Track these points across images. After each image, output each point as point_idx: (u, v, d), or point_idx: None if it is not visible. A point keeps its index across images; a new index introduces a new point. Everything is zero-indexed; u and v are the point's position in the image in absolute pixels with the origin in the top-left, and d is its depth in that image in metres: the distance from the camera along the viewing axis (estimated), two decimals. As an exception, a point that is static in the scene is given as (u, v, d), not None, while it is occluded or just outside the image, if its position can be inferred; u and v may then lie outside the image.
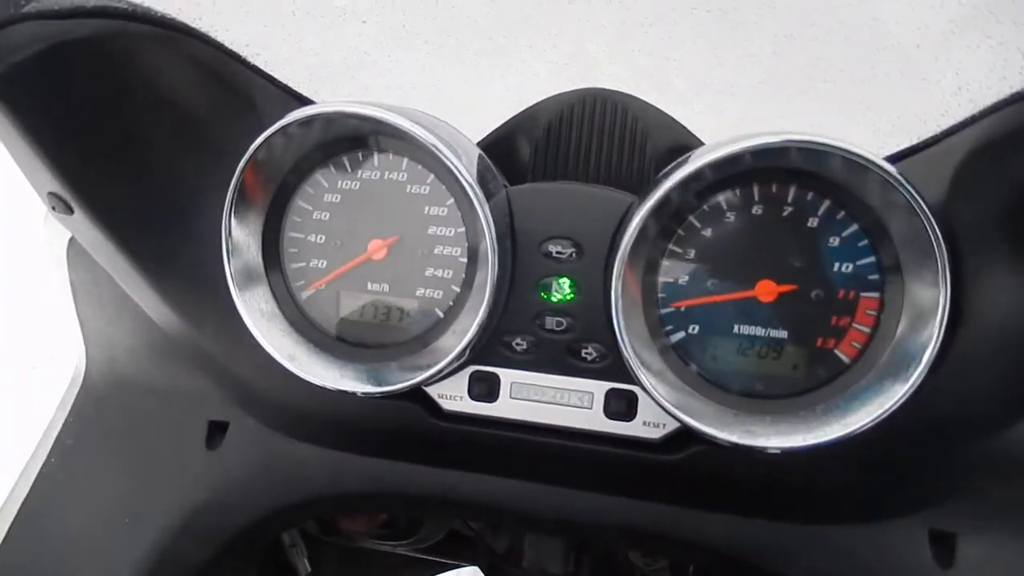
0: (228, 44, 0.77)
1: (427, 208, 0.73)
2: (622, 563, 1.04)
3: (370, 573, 1.22)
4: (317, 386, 0.73)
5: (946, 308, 0.59)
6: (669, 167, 0.67)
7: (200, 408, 0.83)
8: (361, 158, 0.74)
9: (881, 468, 0.68)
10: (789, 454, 0.66)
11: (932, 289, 0.61)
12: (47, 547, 0.79)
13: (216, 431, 0.83)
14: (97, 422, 0.86)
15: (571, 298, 0.70)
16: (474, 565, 1.03)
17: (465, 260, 0.72)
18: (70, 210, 0.72)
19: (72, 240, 0.87)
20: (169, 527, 0.79)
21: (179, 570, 0.79)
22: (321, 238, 0.75)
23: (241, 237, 0.73)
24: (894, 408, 0.61)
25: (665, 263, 0.69)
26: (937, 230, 0.58)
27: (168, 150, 0.74)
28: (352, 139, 0.73)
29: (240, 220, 0.73)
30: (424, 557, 1.12)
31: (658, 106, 0.84)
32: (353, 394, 0.72)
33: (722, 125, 0.69)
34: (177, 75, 0.74)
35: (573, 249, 0.70)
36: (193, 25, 0.74)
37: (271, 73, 0.81)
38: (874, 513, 0.70)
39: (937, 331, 0.60)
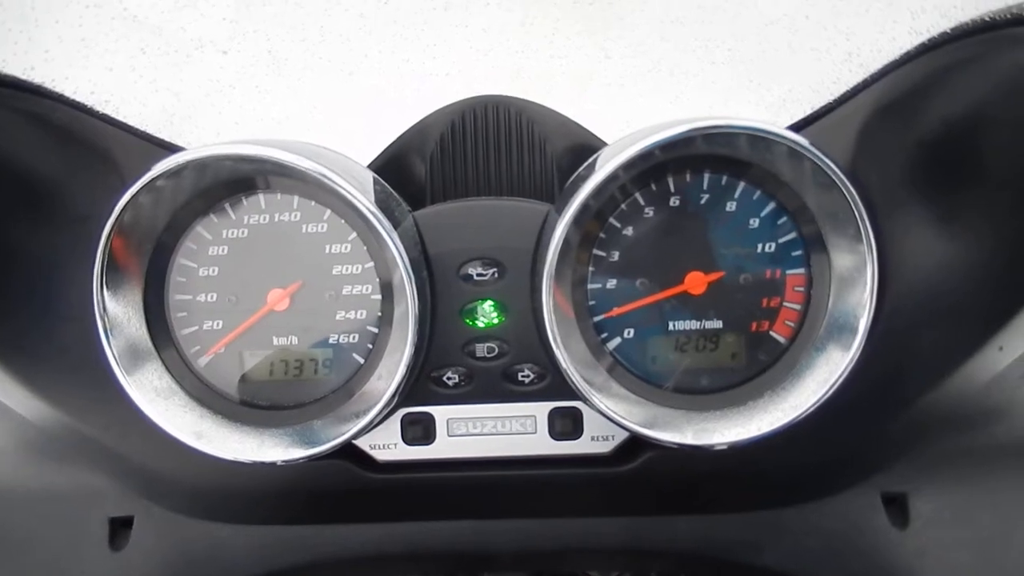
0: (70, 94, 0.68)
1: (328, 247, 0.67)
2: (579, 578, 1.01)
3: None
4: (231, 463, 0.65)
5: (875, 272, 0.59)
6: (580, 170, 0.64)
7: (96, 506, 0.73)
8: (245, 202, 0.67)
9: (829, 443, 0.68)
10: (741, 447, 0.64)
11: (856, 255, 0.61)
12: None
13: (120, 528, 0.73)
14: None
15: (499, 321, 0.66)
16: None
17: (379, 297, 0.67)
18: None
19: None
20: None
21: None
22: (212, 296, 0.68)
23: (119, 310, 0.64)
24: (839, 381, 0.60)
25: (592, 270, 0.66)
26: (854, 193, 0.58)
27: (17, 223, 0.65)
28: (232, 183, 0.66)
29: (114, 291, 0.64)
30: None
31: (551, 106, 0.82)
32: (274, 464, 0.65)
33: (617, 120, 0.67)
34: (15, 137, 0.65)
35: (494, 269, 0.66)
36: (24, 77, 0.65)
37: (126, 121, 0.72)
38: (828, 488, 0.70)
39: (869, 297, 0.60)
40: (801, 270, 0.65)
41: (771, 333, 0.66)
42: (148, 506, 0.73)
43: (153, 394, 0.64)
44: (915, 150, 0.63)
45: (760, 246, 0.65)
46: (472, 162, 0.76)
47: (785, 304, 0.66)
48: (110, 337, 0.63)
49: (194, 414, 0.65)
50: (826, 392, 0.61)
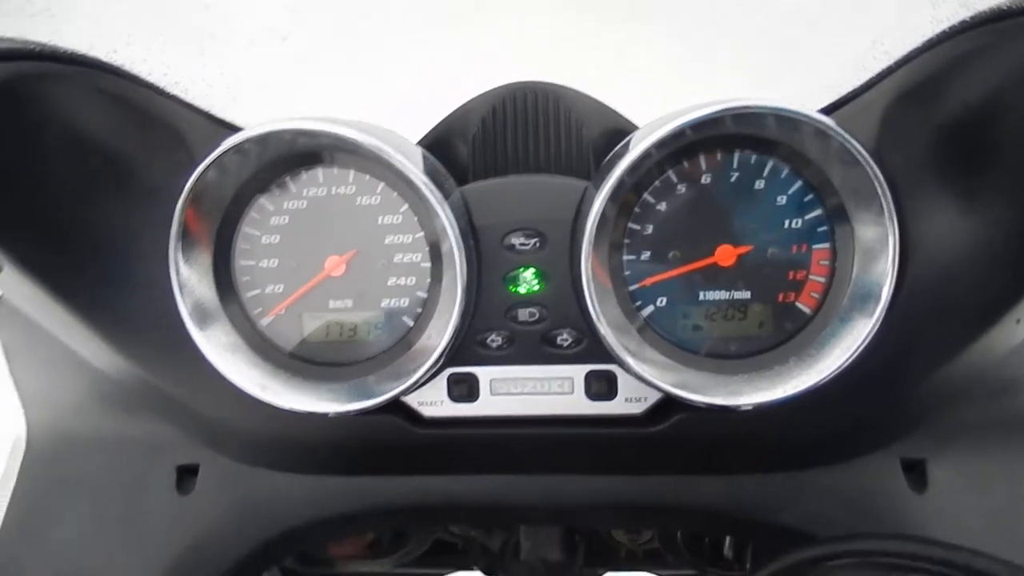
0: (146, 76, 0.74)
1: (381, 218, 0.72)
2: (608, 543, 1.06)
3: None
4: (292, 413, 0.71)
5: (896, 243, 0.63)
6: (617, 149, 0.69)
7: (165, 455, 0.79)
8: (305, 176, 0.73)
9: (852, 409, 0.71)
10: (768, 409, 0.68)
11: (879, 229, 0.64)
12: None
13: (187, 475, 0.79)
14: (51, 486, 0.81)
15: (540, 288, 0.71)
16: (468, 570, 1.02)
17: (428, 264, 0.72)
18: (-1, 267, 0.68)
19: (1, 300, 0.81)
20: None
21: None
22: (274, 262, 0.73)
23: (190, 273, 0.70)
24: (861, 347, 0.64)
25: (627, 242, 0.70)
26: (876, 170, 0.62)
27: (96, 193, 0.71)
28: (292, 158, 0.72)
29: (187, 257, 0.70)
30: (409, 572, 1.10)
31: (587, 92, 0.86)
32: (328, 415, 0.70)
33: (651, 106, 0.71)
34: (96, 114, 0.71)
35: (536, 239, 0.70)
36: (107, 60, 0.71)
37: (193, 102, 0.78)
38: (849, 452, 0.74)
39: (891, 266, 0.63)
40: (826, 245, 0.69)
41: (797, 304, 0.70)
42: (212, 455, 0.79)
43: (221, 349, 0.70)
44: (936, 133, 0.66)
45: (787, 222, 0.69)
46: (512, 144, 0.80)
47: (811, 277, 0.69)
48: (183, 297, 0.69)
49: (257, 369, 0.71)
50: (848, 358, 0.64)
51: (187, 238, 0.69)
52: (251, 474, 0.78)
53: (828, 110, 0.74)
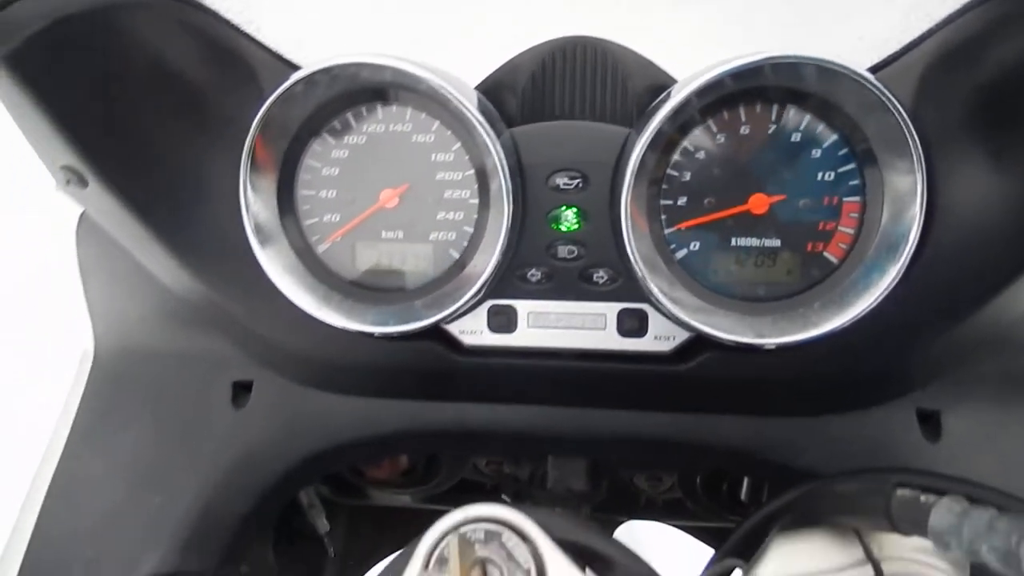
0: (223, 12, 0.79)
1: (434, 155, 0.77)
2: (629, 489, 1.10)
3: (380, 529, 1.26)
4: (340, 335, 0.77)
5: (924, 191, 0.66)
6: (659, 99, 0.72)
7: (222, 370, 0.85)
8: (365, 113, 0.77)
9: (873, 357, 0.74)
10: (791, 352, 0.72)
11: (909, 180, 0.67)
12: (85, 517, 0.81)
13: (241, 391, 0.85)
14: (115, 394, 0.88)
15: (579, 227, 0.75)
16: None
17: (475, 201, 0.76)
18: (84, 183, 0.73)
19: (82, 218, 0.87)
20: (205, 484, 0.81)
21: (220, 525, 0.81)
22: (332, 193, 0.78)
23: (256, 198, 0.76)
24: (884, 294, 0.67)
25: (665, 188, 0.74)
26: (908, 121, 0.65)
27: (176, 121, 0.76)
28: (355, 94, 0.76)
29: (254, 183, 0.75)
30: (435, 508, 1.16)
31: (633, 48, 0.89)
32: (375, 337, 0.76)
33: (694, 62, 0.75)
34: (177, 46, 0.76)
35: (578, 180, 0.74)
36: (188, -5, 0.76)
37: (263, 41, 0.83)
38: (868, 400, 0.77)
39: (918, 213, 0.66)
40: (857, 198, 0.72)
41: (825, 254, 0.73)
42: (266, 373, 0.85)
43: (280, 269, 0.75)
44: (972, 93, 0.69)
45: (820, 174, 0.72)
46: (559, 95, 0.84)
47: (840, 228, 0.73)
48: (249, 217, 0.74)
49: (312, 290, 0.77)
50: (871, 304, 0.68)
51: (255, 165, 0.75)
52: (300, 393, 0.84)
53: (870, 71, 0.76)
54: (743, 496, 0.98)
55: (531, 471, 0.98)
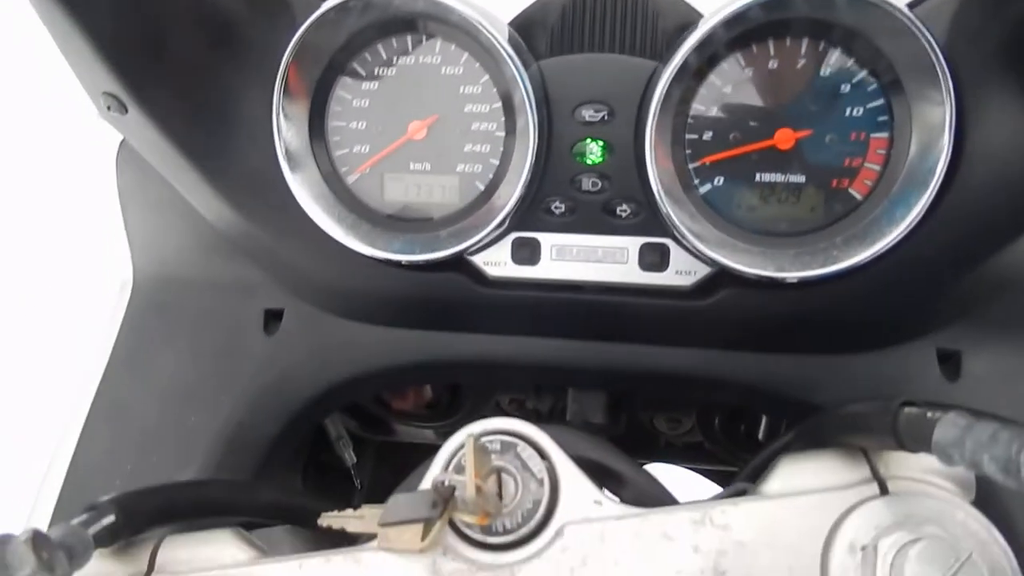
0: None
1: (462, 87, 0.78)
2: (648, 430, 1.12)
3: (405, 465, 1.29)
4: (367, 264, 0.79)
5: (953, 122, 0.65)
6: (687, 32, 0.72)
7: (254, 298, 0.88)
8: (395, 44, 0.78)
9: (894, 296, 0.74)
10: (811, 289, 0.73)
11: (939, 109, 0.66)
12: (125, 433, 0.85)
13: (272, 319, 0.88)
14: (153, 320, 0.91)
15: (604, 159, 0.76)
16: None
17: (502, 133, 0.77)
18: (123, 109, 0.76)
19: (121, 146, 0.90)
20: (238, 406, 0.85)
21: (251, 445, 0.85)
22: (362, 124, 0.80)
23: (288, 126, 0.78)
24: (910, 228, 0.67)
25: (690, 122, 0.74)
26: (938, 49, 0.64)
27: (211, 46, 0.78)
28: (387, 24, 0.77)
29: (287, 112, 0.77)
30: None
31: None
32: (401, 266, 0.78)
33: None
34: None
35: (604, 112, 0.75)
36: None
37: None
38: (888, 339, 0.78)
39: (947, 146, 0.66)
40: (885, 134, 0.72)
41: (849, 190, 0.73)
42: (296, 302, 0.87)
43: (310, 197, 0.78)
44: (1006, 32, 0.67)
45: (849, 110, 0.72)
46: (589, 32, 0.84)
47: (866, 164, 0.72)
48: (281, 144, 0.76)
49: (342, 219, 0.79)
50: (895, 238, 0.68)
51: (287, 92, 0.77)
52: (329, 321, 0.87)
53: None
54: (761, 436, 0.99)
55: (551, 406, 1.00)
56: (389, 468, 1.33)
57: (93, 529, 0.51)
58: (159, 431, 0.85)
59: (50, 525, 0.57)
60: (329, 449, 1.14)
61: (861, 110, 0.72)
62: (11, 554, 0.39)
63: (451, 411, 1.07)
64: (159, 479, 0.82)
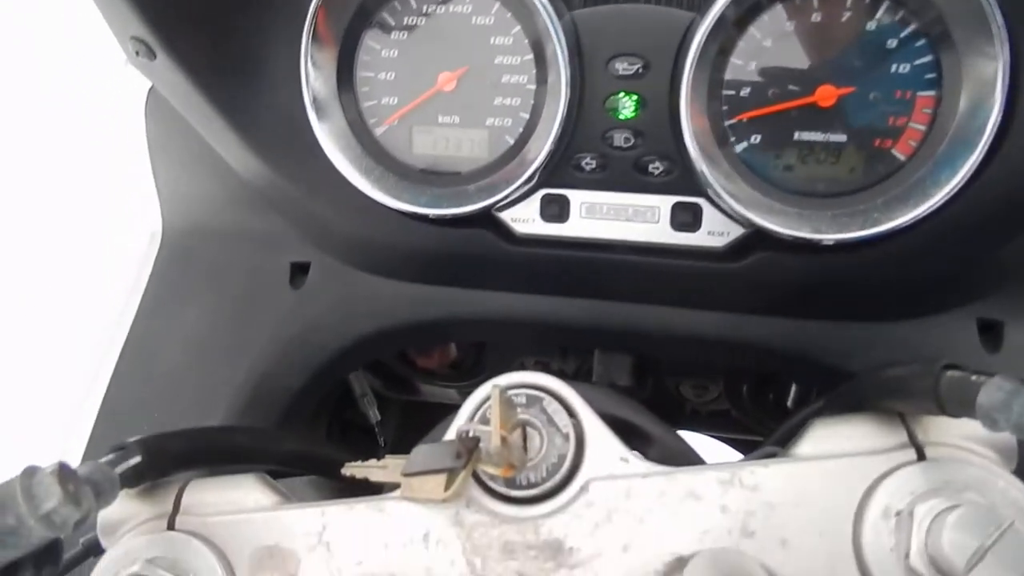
0: None
1: (493, 38, 0.76)
2: (673, 397, 1.11)
3: (429, 425, 1.30)
4: (394, 218, 0.78)
5: (1006, 76, 0.62)
6: None
7: (281, 251, 0.88)
8: (420, -7, 0.77)
9: (935, 262, 0.72)
10: (848, 253, 0.71)
11: (988, 73, 0.64)
12: (152, 380, 0.86)
13: (298, 272, 0.88)
14: (181, 271, 0.92)
15: (637, 114, 0.74)
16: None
17: (533, 86, 0.76)
18: (152, 54, 0.75)
19: (150, 94, 0.90)
20: (262, 357, 0.85)
21: (274, 397, 0.85)
22: (391, 75, 0.79)
23: (317, 75, 0.77)
24: (955, 190, 0.65)
25: (728, 77, 0.72)
26: (993, 4, 0.61)
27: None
28: (417, -27, 0.76)
29: (315, 60, 0.76)
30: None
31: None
32: (428, 220, 0.77)
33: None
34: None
35: (639, 65, 0.73)
36: None
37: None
38: (927, 308, 0.75)
39: (999, 99, 0.63)
40: (932, 92, 0.69)
41: (892, 151, 0.70)
42: (322, 255, 0.87)
43: (337, 148, 0.77)
44: None
45: (895, 66, 0.69)
46: None
47: (911, 124, 0.69)
48: (308, 92, 0.75)
49: (369, 171, 0.78)
50: (939, 201, 0.65)
51: (316, 39, 0.76)
52: (355, 276, 0.86)
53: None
54: (790, 403, 0.98)
55: (576, 367, 1.00)
56: (412, 427, 1.33)
57: (120, 468, 0.51)
58: (185, 379, 0.86)
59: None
60: (353, 406, 1.14)
61: (908, 67, 0.69)
62: (37, 485, 0.39)
63: (475, 371, 1.07)
64: (184, 425, 0.83)
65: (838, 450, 0.52)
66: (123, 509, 0.57)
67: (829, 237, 0.68)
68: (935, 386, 0.47)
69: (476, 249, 0.80)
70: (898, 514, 0.48)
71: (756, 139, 0.73)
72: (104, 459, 0.51)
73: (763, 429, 1.05)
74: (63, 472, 0.41)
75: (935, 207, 0.66)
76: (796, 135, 0.72)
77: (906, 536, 0.47)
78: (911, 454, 0.51)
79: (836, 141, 0.71)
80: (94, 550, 0.59)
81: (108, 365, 0.88)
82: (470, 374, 1.08)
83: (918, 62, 0.68)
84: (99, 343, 0.91)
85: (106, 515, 0.57)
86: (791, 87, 0.71)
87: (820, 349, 0.78)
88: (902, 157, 0.70)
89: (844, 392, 0.59)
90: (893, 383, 0.52)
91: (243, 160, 0.83)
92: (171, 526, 0.56)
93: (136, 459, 0.53)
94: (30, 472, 0.40)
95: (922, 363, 0.51)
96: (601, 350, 0.89)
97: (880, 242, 0.69)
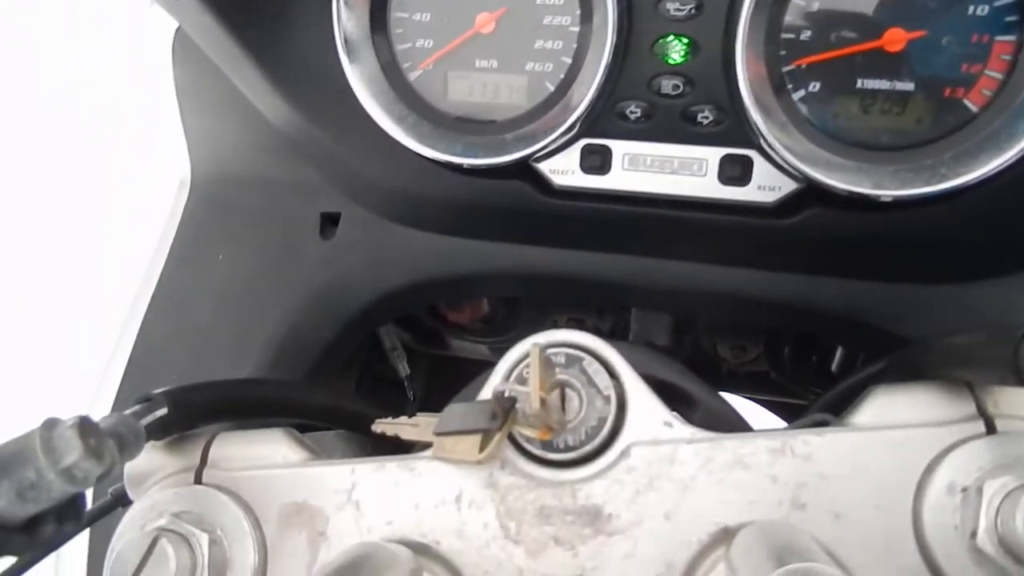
0: None
1: (535, -24, 0.71)
2: (710, 357, 1.08)
3: (458, 380, 1.28)
4: (428, 168, 0.75)
5: None
6: None
7: (311, 201, 0.86)
8: (464, -73, 0.72)
9: (1003, 222, 0.67)
10: (907, 210, 0.66)
11: None
12: (180, 331, 0.84)
13: (328, 222, 0.85)
14: (210, 220, 0.90)
15: (687, 59, 0.69)
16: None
17: (576, 29, 0.71)
18: (178, -8, 0.72)
19: (177, 35, 0.87)
20: (292, 309, 0.83)
21: (304, 349, 0.84)
22: (426, 16, 0.75)
23: (348, 16, 0.73)
24: None
25: (787, 19, 0.67)
26: None
27: None
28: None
29: (347, 1, 0.73)
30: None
31: None
32: (463, 170, 0.73)
33: None
34: None
35: (692, 5, 0.68)
36: None
37: None
38: (991, 269, 0.71)
39: None
40: (1012, 37, 0.63)
41: (964, 101, 0.65)
42: (353, 205, 0.84)
43: (369, 92, 0.73)
44: None
45: (972, 8, 0.63)
46: None
47: (986, 72, 0.64)
48: (340, 33, 0.72)
49: (402, 118, 0.74)
50: (1012, 156, 0.60)
51: (348, -20, 0.72)
52: (387, 228, 0.84)
53: None
54: (834, 368, 0.94)
55: (612, 325, 0.96)
56: (441, 383, 1.32)
57: (145, 420, 0.49)
58: (214, 330, 0.84)
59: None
60: (382, 361, 1.13)
61: (987, 8, 0.63)
62: (58, 438, 0.38)
63: (507, 326, 1.04)
64: (212, 377, 0.82)
65: (899, 420, 0.49)
66: (150, 461, 0.56)
67: (891, 193, 0.64)
68: (1015, 355, 0.44)
69: (512, 201, 0.77)
70: (964, 490, 0.45)
71: (815, 87, 0.68)
72: (130, 411, 0.50)
73: (804, 392, 1.01)
74: (84, 425, 0.39)
75: (1009, 162, 0.61)
76: (859, 83, 0.67)
77: (973, 514, 0.44)
78: (979, 427, 0.48)
79: (902, 90, 0.66)
80: (122, 500, 0.58)
81: (137, 316, 0.87)
82: (501, 330, 1.05)
83: (998, 3, 0.63)
84: (127, 294, 0.90)
85: (133, 467, 0.56)
86: (856, 30, 0.66)
87: (871, 312, 0.74)
88: (974, 108, 0.65)
89: (906, 358, 0.55)
90: (963, 350, 0.49)
91: (272, 105, 0.80)
92: (198, 480, 0.55)
93: (162, 411, 0.51)
94: (50, 424, 0.38)
95: (998, 329, 0.47)
96: (639, 308, 0.86)
97: (946, 199, 0.64)
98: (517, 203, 0.76)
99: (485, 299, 1.04)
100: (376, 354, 1.13)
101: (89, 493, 0.60)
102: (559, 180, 0.75)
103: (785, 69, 0.68)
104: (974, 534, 0.44)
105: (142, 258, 0.92)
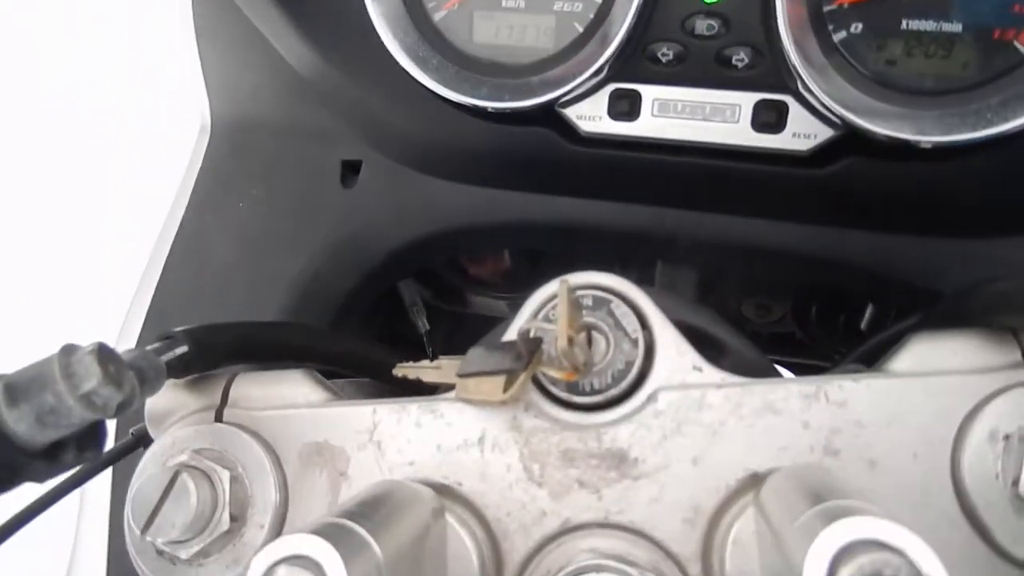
0: None
1: (565, -91, 0.69)
2: (734, 316, 1.06)
3: (479, 336, 1.27)
4: (451, 113, 0.73)
5: None
6: None
7: (332, 148, 0.84)
8: None
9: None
10: (948, 160, 0.64)
11: None
12: (203, 276, 0.84)
13: (349, 170, 0.84)
14: (231, 165, 0.88)
15: None
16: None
17: (608, -34, 0.69)
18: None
19: (197, -26, 0.85)
20: (314, 256, 0.82)
21: (326, 297, 0.83)
22: (452, -47, 0.72)
23: (371, -47, 0.71)
24: None
25: None
26: None
27: None
28: None
29: (369, -64, 0.70)
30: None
31: None
32: (487, 114, 0.72)
33: None
34: None
35: None
36: None
37: None
38: None
39: None
40: (1069, -26, 0.60)
41: (1015, 43, 0.62)
42: (374, 154, 0.83)
43: (392, 32, 0.71)
44: None
45: (1027, -57, 0.60)
46: None
47: (1040, 12, 0.61)
48: None
49: (426, 60, 0.72)
50: None
51: (370, -86, 0.69)
52: (409, 176, 0.82)
53: None
54: (863, 326, 0.92)
55: (636, 280, 0.94)
56: (461, 340, 1.31)
57: (166, 357, 0.49)
58: (235, 275, 0.84)
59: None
60: (402, 318, 1.12)
61: (1043, -56, 0.60)
62: (76, 363, 0.37)
63: (529, 281, 1.03)
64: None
65: (940, 367, 0.47)
66: (170, 399, 0.55)
67: (934, 139, 0.61)
68: None
69: (537, 149, 0.75)
70: (1007, 438, 0.43)
71: (857, 28, 0.65)
72: (150, 347, 0.49)
73: (831, 353, 0.99)
74: (103, 352, 0.38)
75: None
76: (904, 23, 0.64)
77: (1016, 462, 0.42)
78: (1024, 374, 0.46)
79: (950, 31, 0.63)
80: (144, 440, 0.58)
81: (158, 260, 0.87)
82: (522, 285, 1.04)
83: (1055, -61, 0.60)
84: (150, 238, 0.90)
85: (153, 405, 0.56)
86: (902, -33, 0.63)
87: (908, 266, 0.72)
88: (1025, 51, 0.62)
89: (947, 305, 0.53)
90: (1009, 295, 0.47)
91: (293, 46, 0.78)
92: (219, 418, 0.54)
93: (183, 348, 0.51)
94: (68, 350, 0.38)
95: None
96: (664, 262, 0.84)
97: (992, 147, 0.62)
98: (542, 151, 0.75)
99: (507, 253, 1.03)
100: (396, 313, 1.12)
101: (112, 435, 0.61)
102: (586, 126, 0.73)
103: (826, 9, 0.65)
104: (1016, 482, 0.42)
105: (164, 203, 0.91)
